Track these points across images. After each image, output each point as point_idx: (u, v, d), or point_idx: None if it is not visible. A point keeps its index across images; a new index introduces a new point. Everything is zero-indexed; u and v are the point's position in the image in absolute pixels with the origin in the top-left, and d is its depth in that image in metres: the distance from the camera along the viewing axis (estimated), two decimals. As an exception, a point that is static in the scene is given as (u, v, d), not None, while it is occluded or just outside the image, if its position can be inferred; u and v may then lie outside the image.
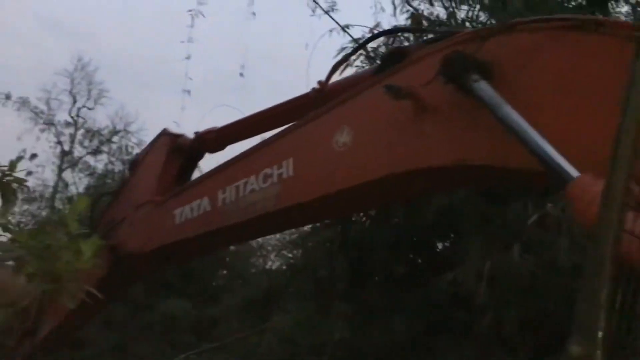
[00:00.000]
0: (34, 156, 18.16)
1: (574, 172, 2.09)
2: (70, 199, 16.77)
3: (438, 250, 9.28)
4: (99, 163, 18.45)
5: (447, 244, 9.10)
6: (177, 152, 3.97)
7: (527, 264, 6.38)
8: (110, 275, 3.73)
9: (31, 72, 33.22)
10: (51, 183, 18.71)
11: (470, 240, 7.27)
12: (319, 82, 3.38)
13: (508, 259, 6.53)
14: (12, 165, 2.47)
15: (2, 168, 2.39)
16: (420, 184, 2.73)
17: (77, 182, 17.64)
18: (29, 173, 16.38)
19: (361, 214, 9.69)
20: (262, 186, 2.97)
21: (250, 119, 3.74)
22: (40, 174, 18.56)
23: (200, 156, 4.14)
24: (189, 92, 10.74)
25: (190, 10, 9.28)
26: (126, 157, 14.90)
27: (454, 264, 7.24)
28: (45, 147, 19.85)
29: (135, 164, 4.19)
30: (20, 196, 2.64)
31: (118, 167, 15.18)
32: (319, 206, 2.94)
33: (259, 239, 14.57)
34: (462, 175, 2.59)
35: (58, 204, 17.20)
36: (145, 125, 19.86)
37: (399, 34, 7.38)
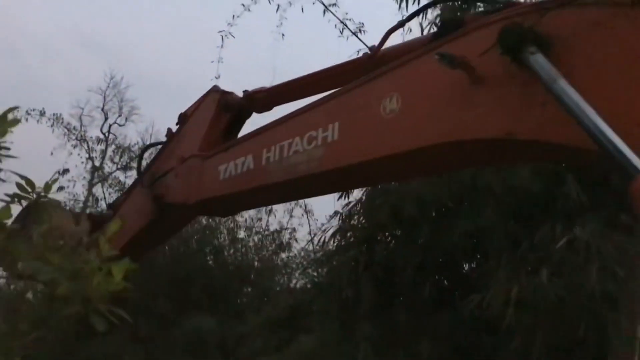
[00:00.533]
0: (65, 171, 18.55)
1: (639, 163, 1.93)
2: (99, 215, 16.92)
3: (464, 271, 9.17)
4: (129, 179, 18.73)
5: (473, 266, 8.99)
6: (226, 109, 4.01)
7: (556, 288, 6.26)
8: (153, 223, 3.79)
9: (65, 88, 34.06)
10: (82, 198, 19.07)
11: (497, 262, 7.19)
12: (371, 48, 3.35)
13: (536, 283, 6.43)
14: (48, 187, 2.53)
15: (38, 189, 2.45)
16: (465, 156, 2.68)
17: (107, 197, 17.92)
18: (61, 188, 16.67)
19: (386, 234, 9.66)
20: (306, 148, 2.97)
21: (300, 81, 3.74)
22: (71, 188, 18.93)
23: (248, 115, 4.17)
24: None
25: (220, 31, 9.46)
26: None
27: (480, 286, 7.15)
28: (77, 162, 20.29)
29: (183, 117, 4.25)
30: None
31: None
32: (361, 171, 2.90)
33: (284, 257, 14.60)
34: (509, 150, 2.51)
35: (88, 219, 17.45)
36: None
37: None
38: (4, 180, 2.47)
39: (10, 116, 2.40)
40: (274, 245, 14.45)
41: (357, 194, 10.07)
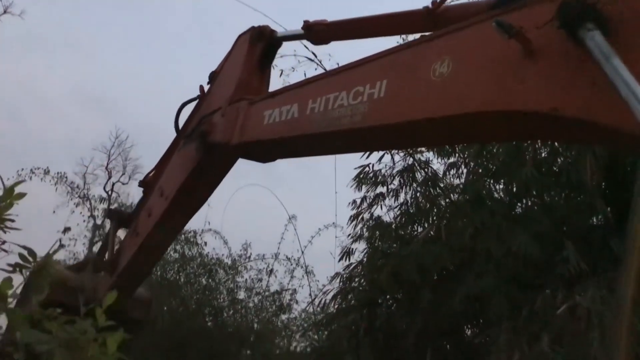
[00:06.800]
0: (67, 230, 18.51)
1: None
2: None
3: (467, 336, 9.05)
4: (131, 238, 18.76)
5: (476, 331, 8.88)
6: (258, 38, 4.04)
7: (557, 357, 6.18)
8: (199, 168, 3.85)
9: (67, 146, 34.20)
10: (82, 256, 19.00)
11: (498, 328, 7.11)
12: (433, 2, 3.33)
13: (537, 350, 6.35)
14: (49, 257, 2.58)
15: (38, 260, 2.50)
16: (508, 127, 2.61)
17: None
18: (62, 246, 16.60)
19: (387, 297, 9.59)
20: (351, 103, 2.98)
21: (360, 21, 3.80)
22: (72, 247, 18.88)
23: (279, 44, 4.17)
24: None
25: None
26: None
27: (483, 352, 7.05)
28: (78, 220, 20.30)
29: (214, 75, 4.32)
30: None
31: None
32: (403, 131, 2.88)
33: (285, 318, 14.42)
34: (553, 126, 2.44)
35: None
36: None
37: None
38: (6, 251, 2.52)
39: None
40: (274, 307, 14.29)
41: (357, 255, 10.08)
